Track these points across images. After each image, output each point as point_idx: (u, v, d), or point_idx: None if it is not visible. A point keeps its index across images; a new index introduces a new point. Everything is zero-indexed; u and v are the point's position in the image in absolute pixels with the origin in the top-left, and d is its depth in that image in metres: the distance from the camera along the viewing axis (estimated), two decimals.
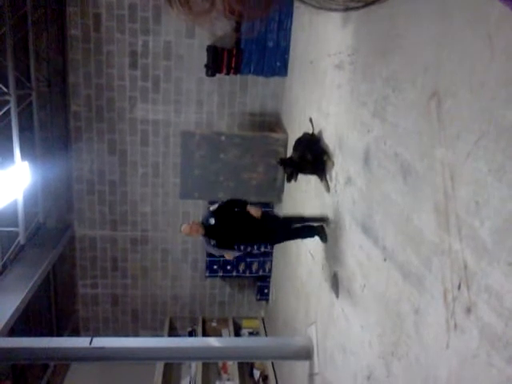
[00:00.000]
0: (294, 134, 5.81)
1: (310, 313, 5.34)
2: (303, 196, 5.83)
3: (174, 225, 7.64)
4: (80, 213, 7.52)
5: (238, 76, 7.03)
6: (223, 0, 0.72)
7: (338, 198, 4.44)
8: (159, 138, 7.30)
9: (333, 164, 4.59)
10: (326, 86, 5.03)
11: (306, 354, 4.97)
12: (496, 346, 2.07)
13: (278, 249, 7.19)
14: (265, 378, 7.25)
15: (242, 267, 7.70)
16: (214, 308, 8.31)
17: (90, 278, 7.87)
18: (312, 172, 4.94)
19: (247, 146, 6.53)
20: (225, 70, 6.81)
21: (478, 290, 2.21)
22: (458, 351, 2.37)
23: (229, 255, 4.95)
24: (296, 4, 6.51)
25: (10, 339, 5.11)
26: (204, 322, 8.18)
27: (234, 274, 7.76)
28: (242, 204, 4.73)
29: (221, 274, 7.75)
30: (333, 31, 4.84)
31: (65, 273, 7.73)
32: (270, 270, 7.81)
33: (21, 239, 5.70)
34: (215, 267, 7.65)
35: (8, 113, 5.28)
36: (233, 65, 6.77)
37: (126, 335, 7.98)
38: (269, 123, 7.32)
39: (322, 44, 5.25)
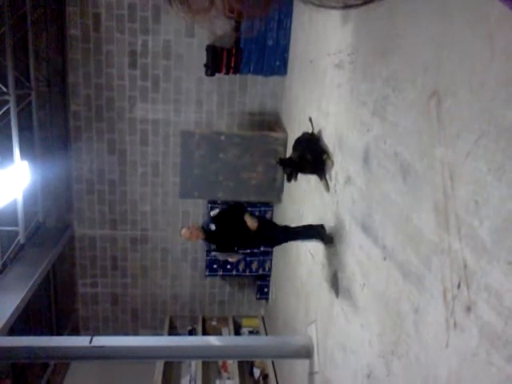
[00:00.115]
0: (294, 134, 5.82)
1: (309, 312, 5.35)
2: (303, 195, 5.83)
3: (174, 224, 7.65)
4: (80, 212, 7.52)
5: (238, 75, 7.03)
6: None
7: (338, 198, 4.45)
8: (159, 138, 7.30)
9: (332, 163, 4.60)
10: (325, 85, 5.04)
11: (306, 352, 4.98)
12: (496, 344, 2.08)
13: (278, 248, 7.17)
14: (265, 376, 7.26)
15: (241, 266, 7.71)
16: (214, 307, 8.32)
17: (89, 277, 7.87)
18: (312, 172, 4.95)
19: (247, 145, 6.53)
20: (224, 70, 6.81)
21: (478, 289, 2.22)
22: (457, 350, 2.38)
23: (233, 258, 4.94)
24: (295, 2, 6.51)
25: (10, 338, 5.12)
26: (204, 320, 8.19)
27: (234, 273, 7.77)
28: (241, 211, 4.62)
29: (220, 273, 7.76)
30: (332, 30, 4.84)
31: (64, 272, 7.74)
32: (270, 269, 7.82)
33: (20, 238, 5.71)
34: (215, 266, 7.66)
35: (7, 112, 5.28)
36: (232, 64, 6.77)
37: (126, 334, 7.99)
38: (268, 122, 7.32)
39: (322, 43, 5.25)
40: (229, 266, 7.68)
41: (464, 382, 2.32)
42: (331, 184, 4.65)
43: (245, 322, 8.33)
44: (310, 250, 5.36)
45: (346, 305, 4.12)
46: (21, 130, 5.52)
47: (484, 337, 2.16)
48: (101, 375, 7.24)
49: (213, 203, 7.28)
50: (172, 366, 7.35)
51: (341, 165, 4.41)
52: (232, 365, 7.35)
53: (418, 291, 2.81)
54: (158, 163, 7.42)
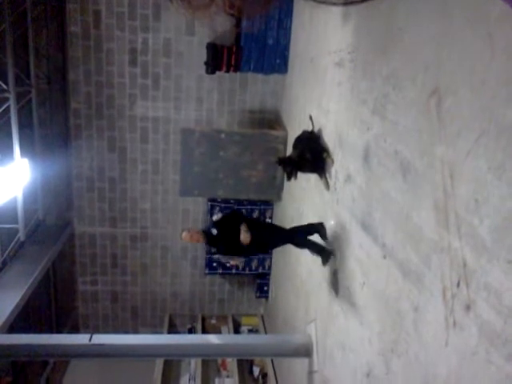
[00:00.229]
0: (294, 132, 5.82)
1: (309, 310, 5.35)
2: (303, 194, 5.83)
3: (174, 222, 7.66)
4: (80, 210, 7.52)
5: (238, 73, 7.03)
6: None
7: (338, 196, 4.45)
8: (159, 135, 7.30)
9: (332, 162, 4.60)
10: (326, 83, 5.03)
11: (305, 351, 4.98)
12: (495, 343, 2.08)
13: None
14: (264, 375, 7.27)
15: (241, 264, 7.71)
16: (214, 305, 8.32)
17: (89, 275, 7.88)
18: (311, 170, 4.94)
19: (247, 143, 6.53)
20: (224, 68, 6.81)
21: (477, 288, 2.22)
22: (457, 348, 2.38)
23: (235, 261, 4.94)
24: (296, 2, 6.51)
25: (10, 336, 5.12)
26: (203, 319, 8.20)
27: (234, 271, 7.77)
28: (239, 220, 4.56)
29: (220, 271, 7.76)
30: (333, 29, 4.83)
31: (64, 270, 7.74)
32: (270, 268, 7.82)
33: (20, 236, 5.71)
34: (214, 264, 7.66)
35: (8, 110, 5.27)
36: (232, 62, 6.76)
37: (126, 332, 8.00)
38: (268, 121, 7.32)
39: (322, 42, 5.24)
40: (228, 264, 7.68)
41: (463, 381, 2.32)
42: (331, 182, 4.65)
43: (244, 320, 8.33)
44: None
45: (345, 303, 4.12)
46: (21, 127, 5.51)
47: (483, 335, 2.16)
48: (100, 373, 7.25)
49: (213, 201, 7.29)
50: (171, 364, 7.35)
51: (341, 163, 4.40)
52: (231, 363, 7.36)
53: (418, 290, 2.81)
54: (158, 161, 7.42)
